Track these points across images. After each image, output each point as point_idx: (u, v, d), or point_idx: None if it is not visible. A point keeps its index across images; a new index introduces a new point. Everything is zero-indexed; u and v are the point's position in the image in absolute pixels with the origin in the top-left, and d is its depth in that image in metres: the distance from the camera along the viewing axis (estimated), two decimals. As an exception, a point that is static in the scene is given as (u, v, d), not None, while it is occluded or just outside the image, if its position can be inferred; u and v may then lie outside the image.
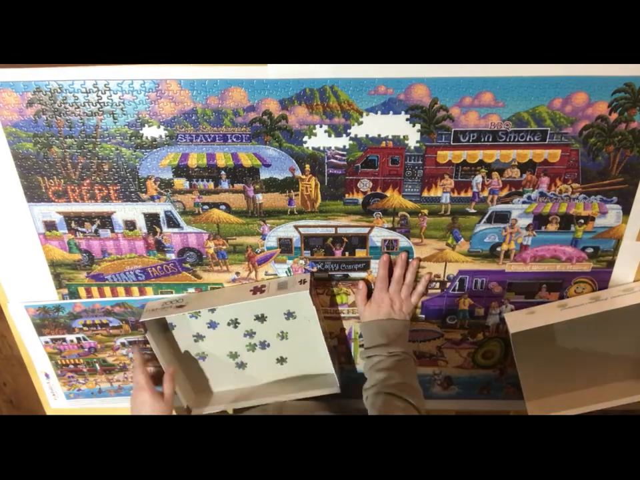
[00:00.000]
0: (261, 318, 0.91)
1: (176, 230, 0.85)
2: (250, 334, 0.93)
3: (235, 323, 0.92)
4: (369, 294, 0.88)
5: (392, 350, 0.81)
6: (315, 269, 0.88)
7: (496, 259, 0.86)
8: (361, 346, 0.94)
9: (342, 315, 0.93)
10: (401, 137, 0.76)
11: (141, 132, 0.75)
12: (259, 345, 0.94)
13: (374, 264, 0.87)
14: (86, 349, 0.97)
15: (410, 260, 0.86)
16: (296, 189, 0.81)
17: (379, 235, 0.85)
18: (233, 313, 0.91)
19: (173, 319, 0.92)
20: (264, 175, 0.79)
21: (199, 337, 0.94)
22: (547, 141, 0.75)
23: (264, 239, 0.85)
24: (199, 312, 0.90)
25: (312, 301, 0.82)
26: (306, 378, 0.97)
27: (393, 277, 0.85)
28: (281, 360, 0.96)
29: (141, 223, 0.84)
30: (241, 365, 0.97)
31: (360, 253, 0.86)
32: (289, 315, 0.91)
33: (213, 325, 0.92)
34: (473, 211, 0.82)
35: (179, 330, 0.93)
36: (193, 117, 0.74)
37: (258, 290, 0.85)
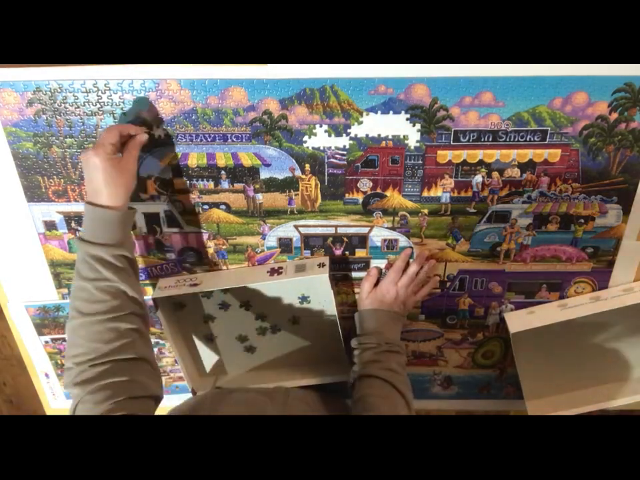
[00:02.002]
0: (275, 301, 0.89)
1: (176, 230, 0.85)
2: (261, 317, 0.92)
3: (247, 305, 0.90)
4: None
5: (389, 341, 0.81)
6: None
7: (496, 259, 0.86)
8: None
9: (342, 315, 0.93)
10: (401, 137, 0.76)
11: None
12: (270, 329, 0.93)
13: (373, 264, 0.87)
14: (86, 349, 0.97)
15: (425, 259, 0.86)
16: (296, 189, 0.81)
17: (379, 234, 0.85)
18: (246, 295, 0.89)
19: (184, 298, 0.89)
20: (264, 174, 0.79)
21: (209, 318, 0.92)
22: (547, 140, 0.75)
23: (264, 239, 0.85)
24: (212, 292, 0.88)
25: (331, 285, 0.82)
26: (315, 364, 0.95)
27: (407, 271, 0.85)
28: (291, 344, 0.94)
29: (141, 223, 0.84)
30: (250, 349, 0.95)
31: (360, 253, 0.86)
32: (303, 299, 0.90)
33: (224, 306, 0.90)
34: (473, 210, 0.82)
35: (189, 309, 0.91)
36: (193, 117, 0.74)
37: (275, 271, 0.84)
